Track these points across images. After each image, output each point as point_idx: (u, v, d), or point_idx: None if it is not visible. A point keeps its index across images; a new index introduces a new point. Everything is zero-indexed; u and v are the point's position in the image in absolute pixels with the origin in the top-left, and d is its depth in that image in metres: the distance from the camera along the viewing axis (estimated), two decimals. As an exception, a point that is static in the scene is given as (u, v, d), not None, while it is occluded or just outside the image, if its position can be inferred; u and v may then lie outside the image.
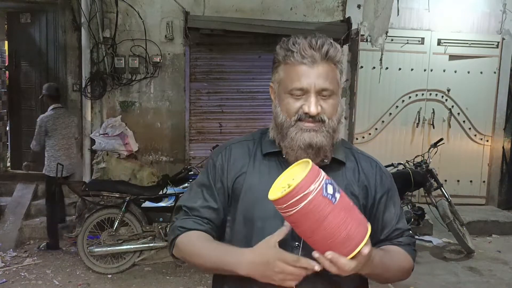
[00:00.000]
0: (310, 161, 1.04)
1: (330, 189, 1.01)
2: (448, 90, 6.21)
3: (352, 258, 1.02)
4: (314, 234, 1.01)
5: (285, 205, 0.99)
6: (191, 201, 1.32)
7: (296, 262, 1.05)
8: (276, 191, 1.04)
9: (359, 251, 1.01)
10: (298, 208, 0.98)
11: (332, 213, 0.99)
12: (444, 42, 6.10)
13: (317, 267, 1.03)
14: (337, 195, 1.01)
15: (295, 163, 1.09)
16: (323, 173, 1.02)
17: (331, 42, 1.23)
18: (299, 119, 1.21)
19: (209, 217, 1.29)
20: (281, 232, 1.09)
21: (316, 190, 0.98)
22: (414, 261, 1.34)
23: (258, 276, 1.10)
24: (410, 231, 1.36)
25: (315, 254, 1.02)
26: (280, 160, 1.28)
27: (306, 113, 1.19)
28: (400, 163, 5.07)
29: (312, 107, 1.19)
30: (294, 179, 1.02)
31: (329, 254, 1.01)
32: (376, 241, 1.28)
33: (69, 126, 4.93)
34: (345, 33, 5.60)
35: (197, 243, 1.25)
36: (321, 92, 1.20)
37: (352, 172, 1.31)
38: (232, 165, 1.30)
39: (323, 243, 1.01)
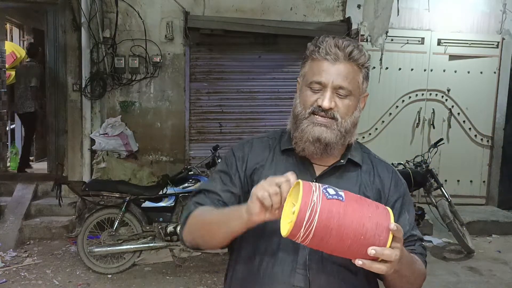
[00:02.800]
0: (300, 180, 1.03)
1: (331, 191, 1.00)
2: (448, 90, 6.20)
3: (391, 245, 1.00)
4: (344, 240, 0.97)
5: (302, 231, 0.96)
6: (211, 185, 1.35)
7: (278, 180, 1.04)
8: (285, 224, 1.02)
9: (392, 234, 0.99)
10: (315, 225, 0.95)
11: (347, 209, 0.98)
12: (444, 42, 6.10)
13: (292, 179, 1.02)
14: (341, 193, 1.01)
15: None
16: (315, 183, 1.02)
17: (358, 45, 1.28)
18: (313, 112, 1.24)
19: (227, 200, 1.30)
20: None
21: (319, 198, 0.98)
22: (425, 269, 1.33)
23: (249, 204, 1.08)
24: (423, 243, 1.36)
25: (359, 261, 1.00)
26: (297, 157, 1.31)
27: (319, 106, 1.23)
28: (400, 163, 5.07)
29: (326, 100, 1.22)
30: (294, 204, 1.00)
31: (371, 250, 0.98)
32: None
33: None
34: (345, 33, 5.60)
35: (209, 210, 1.26)
36: (338, 90, 1.24)
37: (367, 175, 1.33)
38: (253, 157, 1.34)
39: (358, 244, 0.98)
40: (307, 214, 0.96)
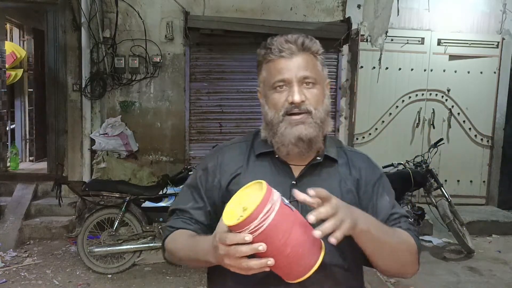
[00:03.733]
0: (262, 181, 1.03)
1: (285, 200, 1.02)
2: (448, 90, 6.20)
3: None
4: (288, 242, 0.98)
5: (256, 221, 0.96)
6: (182, 203, 1.34)
7: (227, 240, 0.99)
8: (234, 214, 1.01)
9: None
10: (269, 220, 0.96)
11: (296, 217, 1.01)
12: (444, 42, 6.10)
13: (247, 237, 0.96)
14: (289, 204, 1.03)
15: (242, 188, 1.08)
16: (273, 190, 1.02)
17: (307, 36, 1.26)
18: (287, 113, 1.22)
19: (198, 218, 1.30)
20: None
21: (278, 200, 0.99)
22: (419, 246, 1.27)
23: (218, 260, 1.05)
24: (409, 219, 1.33)
25: (317, 232, 0.98)
26: (273, 160, 1.29)
27: (291, 103, 1.21)
28: (400, 163, 5.07)
29: (296, 95, 1.21)
30: (249, 201, 1.00)
31: (310, 214, 0.98)
32: None
33: None
34: (345, 33, 5.60)
35: (179, 239, 1.27)
36: (303, 81, 1.23)
37: (344, 168, 1.32)
38: (226, 166, 1.30)
39: (301, 243, 1.00)
40: (266, 209, 0.96)
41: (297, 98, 1.21)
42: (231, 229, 0.99)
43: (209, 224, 1.30)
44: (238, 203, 1.04)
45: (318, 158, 1.29)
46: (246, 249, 0.98)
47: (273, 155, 1.29)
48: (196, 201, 1.32)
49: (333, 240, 0.99)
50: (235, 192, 1.21)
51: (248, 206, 0.98)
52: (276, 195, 1.00)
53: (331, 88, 5.35)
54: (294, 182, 1.26)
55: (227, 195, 1.27)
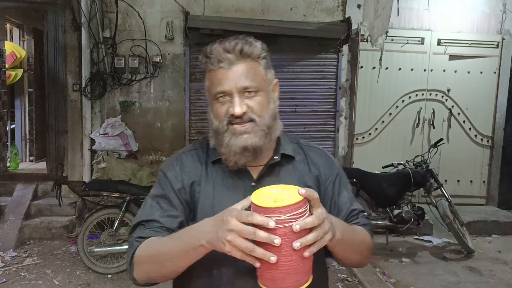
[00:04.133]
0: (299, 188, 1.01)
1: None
2: (448, 90, 6.20)
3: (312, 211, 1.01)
4: (296, 252, 0.97)
5: (288, 215, 0.95)
6: (148, 214, 1.26)
7: (249, 217, 0.96)
8: (264, 199, 0.99)
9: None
10: (299, 221, 0.96)
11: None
12: (444, 42, 6.10)
13: (272, 223, 0.94)
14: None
15: (275, 186, 1.07)
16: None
17: (246, 40, 1.23)
18: (230, 123, 1.21)
19: (170, 225, 1.23)
20: (248, 200, 1.03)
21: (305, 213, 0.99)
22: (372, 239, 1.34)
23: (214, 240, 1.02)
24: (365, 213, 1.36)
25: (306, 253, 0.99)
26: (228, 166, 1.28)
27: (232, 115, 1.20)
28: (400, 163, 5.08)
29: (236, 108, 1.19)
30: (283, 196, 0.99)
31: (296, 226, 0.96)
32: None
33: None
34: (345, 33, 5.60)
35: (157, 242, 1.18)
36: (244, 91, 1.20)
37: (303, 164, 1.32)
38: (186, 174, 1.28)
39: (305, 259, 1.00)
40: (301, 209, 0.96)
41: (237, 111, 1.19)
42: (256, 210, 0.97)
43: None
44: (267, 194, 1.03)
45: (276, 157, 1.28)
46: (264, 235, 0.95)
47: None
48: (164, 209, 1.26)
49: (306, 254, 0.98)
50: (197, 199, 1.22)
51: (284, 199, 0.97)
52: (305, 208, 0.99)
53: (331, 88, 5.41)
54: (254, 184, 1.25)
55: (190, 201, 1.26)
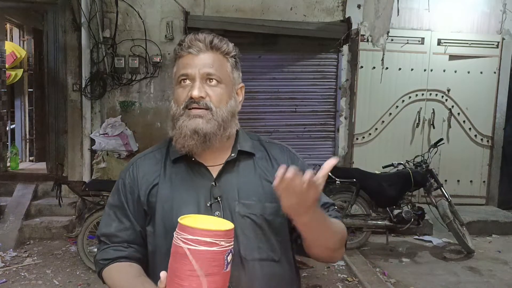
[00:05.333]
0: (232, 224, 1.06)
1: (230, 257, 1.03)
2: (448, 90, 6.20)
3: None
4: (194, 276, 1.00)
5: (201, 238, 0.99)
6: (107, 227, 1.31)
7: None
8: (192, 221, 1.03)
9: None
10: (206, 248, 0.98)
11: (219, 275, 1.01)
12: (444, 42, 6.10)
13: None
14: (229, 266, 1.04)
15: (212, 218, 1.12)
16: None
17: (219, 36, 1.28)
18: (187, 107, 1.23)
19: (128, 238, 1.28)
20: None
21: (228, 246, 1.02)
22: (346, 232, 1.36)
23: None
24: (335, 206, 1.39)
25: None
26: (190, 164, 1.29)
27: (191, 98, 1.22)
28: (400, 163, 5.08)
29: (195, 90, 1.22)
30: (212, 223, 1.05)
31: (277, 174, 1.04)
32: None
33: None
34: (345, 33, 5.60)
35: (116, 282, 1.25)
36: (206, 77, 1.24)
37: (264, 161, 1.33)
38: (142, 179, 1.29)
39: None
40: (216, 238, 1.00)
41: (196, 93, 1.21)
42: (184, 229, 1.00)
43: (142, 243, 1.29)
44: (195, 220, 1.06)
45: (232, 154, 1.29)
46: None
47: (190, 158, 1.28)
48: (121, 221, 1.29)
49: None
50: (155, 203, 1.24)
51: (214, 225, 1.03)
52: (231, 244, 1.04)
53: (331, 88, 5.43)
54: (214, 183, 1.26)
55: (149, 208, 1.27)
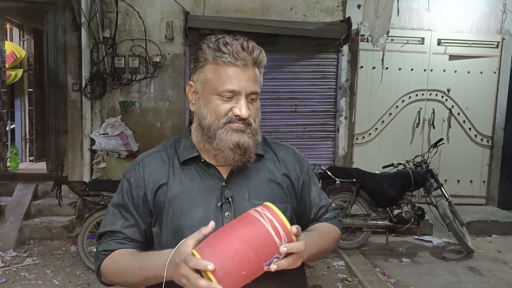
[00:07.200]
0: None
1: (273, 263, 1.07)
2: (448, 90, 6.20)
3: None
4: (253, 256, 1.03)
5: (278, 224, 1.06)
6: (111, 225, 1.29)
7: (196, 265, 1.00)
8: None
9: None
10: (273, 234, 1.05)
11: (258, 263, 1.05)
12: (444, 42, 6.10)
13: (210, 266, 0.98)
14: (266, 268, 1.07)
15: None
16: None
17: (258, 47, 1.26)
18: (229, 122, 1.21)
19: (133, 236, 1.27)
20: (201, 232, 1.05)
21: (280, 254, 1.07)
22: (340, 229, 1.44)
23: (173, 277, 1.07)
24: (333, 205, 1.45)
25: (273, 266, 1.05)
26: (199, 165, 1.28)
27: (236, 116, 1.20)
28: (400, 163, 5.08)
29: (243, 110, 1.20)
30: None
31: (283, 247, 1.04)
32: (307, 221, 1.37)
33: None
34: (345, 33, 5.60)
35: (121, 260, 1.22)
36: (250, 96, 1.22)
37: (272, 162, 1.34)
38: (149, 178, 1.28)
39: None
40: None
41: (245, 113, 1.20)
42: (269, 210, 1.08)
43: (145, 242, 1.29)
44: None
45: (250, 159, 1.29)
46: (203, 285, 0.99)
47: (199, 160, 1.28)
48: (126, 219, 1.27)
49: (274, 267, 1.05)
50: (163, 203, 1.24)
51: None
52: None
53: (331, 88, 5.46)
54: (225, 184, 1.26)
55: (156, 207, 1.26)
